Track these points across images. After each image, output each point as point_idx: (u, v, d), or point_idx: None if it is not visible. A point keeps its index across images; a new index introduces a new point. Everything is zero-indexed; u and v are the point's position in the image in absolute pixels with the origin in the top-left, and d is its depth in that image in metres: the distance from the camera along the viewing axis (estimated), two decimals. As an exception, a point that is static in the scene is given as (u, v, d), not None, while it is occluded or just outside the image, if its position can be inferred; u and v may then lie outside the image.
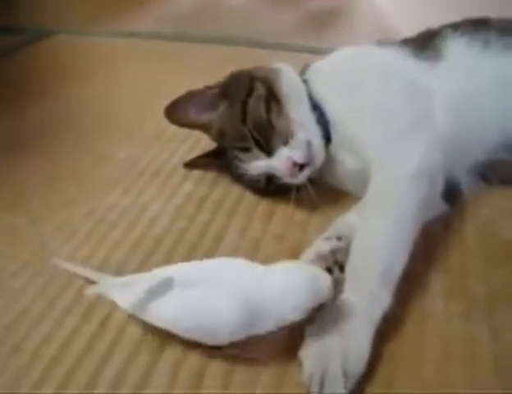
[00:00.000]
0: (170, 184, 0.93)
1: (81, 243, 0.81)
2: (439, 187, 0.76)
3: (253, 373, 0.60)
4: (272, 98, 0.84)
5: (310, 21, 1.63)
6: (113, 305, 0.67)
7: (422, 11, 1.58)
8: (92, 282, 0.70)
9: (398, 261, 0.66)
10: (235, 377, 0.60)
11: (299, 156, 0.79)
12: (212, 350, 0.62)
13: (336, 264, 0.71)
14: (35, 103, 1.23)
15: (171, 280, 0.62)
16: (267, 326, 0.59)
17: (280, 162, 0.80)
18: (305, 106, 0.84)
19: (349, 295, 0.63)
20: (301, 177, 0.81)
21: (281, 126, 0.81)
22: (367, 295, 0.63)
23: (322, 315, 0.62)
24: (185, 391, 0.59)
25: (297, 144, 0.80)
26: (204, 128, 0.92)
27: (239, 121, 0.83)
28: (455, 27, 0.88)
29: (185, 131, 1.04)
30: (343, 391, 0.57)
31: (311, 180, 0.82)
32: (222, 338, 0.60)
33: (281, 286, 0.58)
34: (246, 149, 0.83)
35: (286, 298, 0.58)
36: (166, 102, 0.86)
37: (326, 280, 0.59)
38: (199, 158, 0.95)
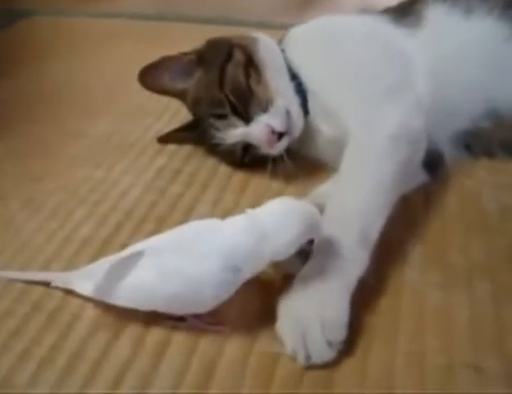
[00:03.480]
0: (143, 158, 0.90)
1: (49, 217, 0.78)
2: (420, 153, 0.74)
3: (218, 344, 0.58)
4: (251, 65, 0.81)
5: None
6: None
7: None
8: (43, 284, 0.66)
9: (375, 224, 0.63)
10: (199, 349, 0.57)
11: (278, 124, 0.77)
12: (176, 324, 0.59)
13: None
14: (9, 80, 1.19)
15: (140, 252, 0.58)
16: (256, 268, 0.58)
17: (258, 130, 0.77)
18: (284, 75, 0.82)
19: (323, 258, 0.60)
20: (279, 147, 0.78)
21: (260, 93, 0.79)
22: (342, 257, 0.59)
23: (295, 281, 0.59)
24: (147, 364, 0.56)
25: (276, 111, 0.77)
26: (179, 96, 0.88)
27: (216, 87, 0.80)
28: (438, -6, 0.85)
29: (160, 107, 1.02)
30: (331, 356, 0.55)
31: (288, 151, 0.80)
32: (206, 301, 0.56)
33: (276, 221, 0.56)
34: (222, 117, 0.80)
35: (282, 233, 0.56)
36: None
37: (317, 214, 0.58)
38: (174, 131, 0.92)
